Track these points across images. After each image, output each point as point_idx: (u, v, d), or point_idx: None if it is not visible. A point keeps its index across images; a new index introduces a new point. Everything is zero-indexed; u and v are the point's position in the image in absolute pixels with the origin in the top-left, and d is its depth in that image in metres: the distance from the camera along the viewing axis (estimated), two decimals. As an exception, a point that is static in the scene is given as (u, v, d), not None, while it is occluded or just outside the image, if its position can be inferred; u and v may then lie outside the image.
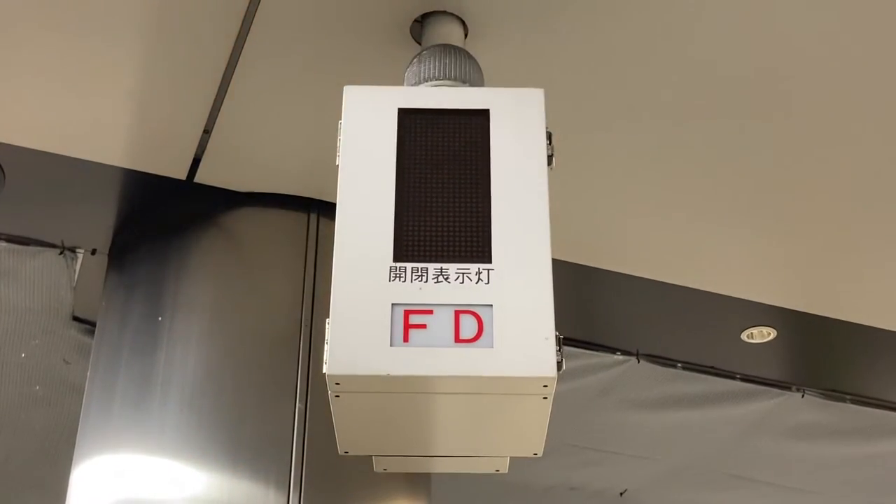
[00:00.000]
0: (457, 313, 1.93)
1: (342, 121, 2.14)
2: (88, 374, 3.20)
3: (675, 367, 4.10)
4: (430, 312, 1.93)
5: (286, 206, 3.16)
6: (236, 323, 3.02)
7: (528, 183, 2.07)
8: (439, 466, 2.28)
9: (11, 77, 2.80)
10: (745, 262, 3.56)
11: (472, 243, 2.01)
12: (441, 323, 1.92)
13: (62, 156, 3.01)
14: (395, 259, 1.98)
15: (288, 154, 3.05)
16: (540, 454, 2.14)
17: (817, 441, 4.48)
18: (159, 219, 3.20)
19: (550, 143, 2.17)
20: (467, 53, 2.43)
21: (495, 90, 2.23)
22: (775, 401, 4.24)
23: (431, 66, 2.34)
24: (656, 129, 2.99)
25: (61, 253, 3.41)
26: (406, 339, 1.91)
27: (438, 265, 1.98)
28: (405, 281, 1.96)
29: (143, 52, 2.74)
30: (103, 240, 3.37)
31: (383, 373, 1.88)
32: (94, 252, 3.41)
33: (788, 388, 4.23)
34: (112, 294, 3.25)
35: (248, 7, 2.60)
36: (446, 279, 1.96)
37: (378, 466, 2.25)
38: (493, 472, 2.28)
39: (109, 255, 3.37)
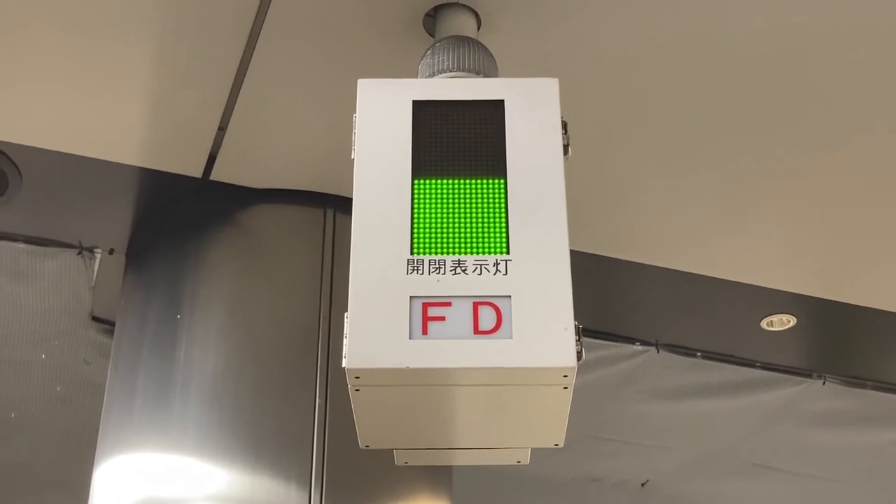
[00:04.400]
0: (475, 305, 1.92)
1: (356, 114, 2.13)
2: (108, 373, 3.21)
3: (694, 356, 4.09)
4: (449, 304, 1.93)
5: (302, 201, 3.16)
6: (255, 319, 3.02)
7: (545, 173, 2.06)
8: (461, 459, 2.27)
9: (27, 78, 2.81)
10: (764, 250, 3.54)
11: (490, 234, 2.00)
12: (460, 315, 1.91)
13: (78, 156, 3.02)
14: (413, 252, 1.98)
15: (303, 150, 3.04)
16: (561, 445, 2.13)
17: (839, 428, 4.46)
18: (176, 217, 3.20)
19: (566, 133, 2.16)
20: (481, 44, 2.41)
21: (510, 80, 2.21)
22: (796, 388, 4.22)
23: (445, 57, 2.33)
24: (674, 118, 2.97)
25: (79, 253, 3.42)
26: (425, 332, 1.90)
27: (456, 257, 1.97)
28: (423, 273, 1.95)
29: (156, 51, 2.74)
30: (121, 239, 3.38)
31: (403, 366, 1.87)
32: (111, 252, 3.42)
33: (809, 376, 4.21)
34: (130, 293, 3.26)
35: (261, 3, 2.60)
36: (464, 271, 1.96)
37: (399, 459, 2.25)
38: (515, 463, 2.26)
39: (127, 255, 3.37)
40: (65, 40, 2.71)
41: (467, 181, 2.06)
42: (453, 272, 1.96)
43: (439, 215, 2.02)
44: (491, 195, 2.04)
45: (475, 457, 2.24)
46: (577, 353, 1.92)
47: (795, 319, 3.85)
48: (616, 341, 4.02)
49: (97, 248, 3.44)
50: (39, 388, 4.01)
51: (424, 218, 2.01)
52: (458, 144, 2.10)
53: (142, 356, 3.06)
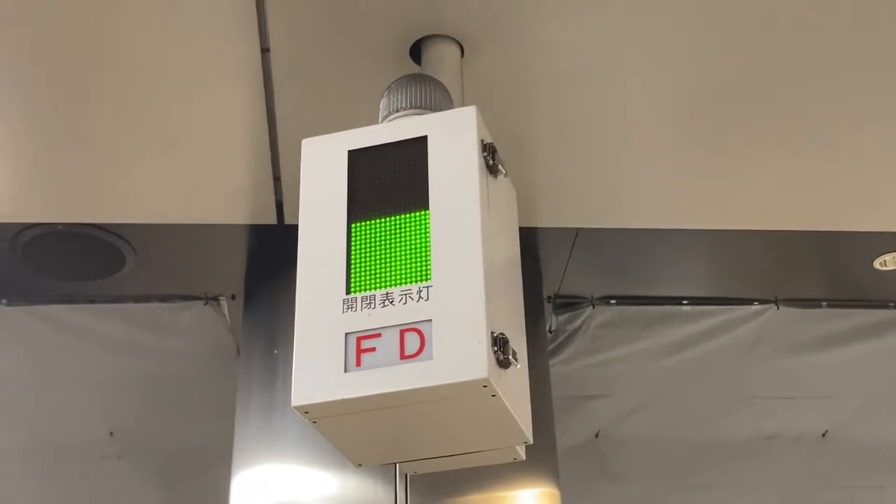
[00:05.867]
0: (402, 332, 2.08)
1: (301, 171, 2.36)
2: (237, 402, 3.63)
3: (820, 306, 4.01)
4: (379, 336, 2.10)
5: (372, 230, 3.42)
6: (338, 344, 3.33)
7: (462, 198, 2.17)
8: (457, 463, 2.40)
9: (130, 167, 3.22)
10: (861, 195, 3.46)
11: (414, 265, 2.14)
12: (388, 343, 2.07)
13: (175, 224, 3.45)
14: (348, 291, 2.18)
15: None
16: (531, 442, 2.27)
17: None
18: (267, 261, 3.58)
19: (495, 154, 2.28)
20: (432, 79, 2.54)
21: (433, 116, 2.34)
22: (938, 321, 4.05)
23: (396, 98, 2.48)
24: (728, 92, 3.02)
25: (206, 303, 3.85)
26: (358, 364, 2.08)
27: (385, 290, 2.15)
28: (356, 311, 2.14)
29: (208, 127, 3.10)
30: (238, 286, 3.79)
31: (338, 397, 2.07)
32: (233, 297, 3.83)
33: (945, 307, 4.04)
34: (244, 333, 3.68)
35: (262, 62, 2.86)
36: (391, 302, 2.13)
37: (408, 470, 2.46)
38: (511, 461, 2.41)
39: (244, 299, 3.78)
40: (160, 141, 3.12)
41: (397, 217, 2.21)
42: (382, 305, 2.14)
43: (373, 254, 2.19)
44: (417, 227, 2.18)
45: (472, 459, 2.40)
46: (500, 361, 2.05)
47: (908, 255, 3.72)
48: (734, 304, 4.02)
49: (221, 296, 3.86)
50: (216, 422, 4.46)
51: (360, 259, 2.19)
52: (388, 184, 2.25)
53: (252, 387, 3.47)
